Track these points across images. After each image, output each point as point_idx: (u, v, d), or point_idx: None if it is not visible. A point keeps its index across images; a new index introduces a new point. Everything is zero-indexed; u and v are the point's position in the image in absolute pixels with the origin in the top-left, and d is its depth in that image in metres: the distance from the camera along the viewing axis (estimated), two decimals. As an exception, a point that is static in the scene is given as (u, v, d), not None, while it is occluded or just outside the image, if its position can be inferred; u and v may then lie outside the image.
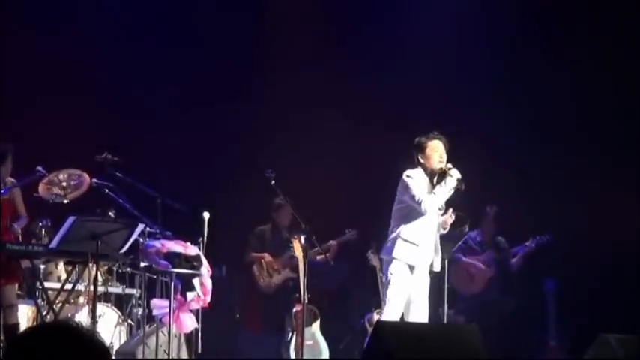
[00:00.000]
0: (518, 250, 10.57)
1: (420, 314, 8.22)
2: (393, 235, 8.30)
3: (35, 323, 8.27)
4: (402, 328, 7.62)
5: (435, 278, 8.72)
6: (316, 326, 10.02)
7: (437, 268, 8.42)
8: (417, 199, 8.15)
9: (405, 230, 8.24)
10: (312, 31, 11.31)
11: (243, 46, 11.40)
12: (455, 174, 8.23)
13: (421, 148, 8.34)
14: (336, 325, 10.34)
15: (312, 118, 11.11)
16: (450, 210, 8.39)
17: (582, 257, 10.61)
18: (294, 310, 9.81)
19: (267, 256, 10.57)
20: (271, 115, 11.29)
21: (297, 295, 8.71)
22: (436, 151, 8.30)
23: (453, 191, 8.24)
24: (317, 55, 11.26)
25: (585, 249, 10.64)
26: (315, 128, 11.15)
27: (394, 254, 8.25)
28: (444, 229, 8.41)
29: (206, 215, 8.39)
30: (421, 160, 8.33)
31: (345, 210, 10.25)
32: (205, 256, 8.17)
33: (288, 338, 9.87)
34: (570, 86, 10.95)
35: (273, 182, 8.25)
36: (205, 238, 8.30)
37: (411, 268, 8.26)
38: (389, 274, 8.26)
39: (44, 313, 8.07)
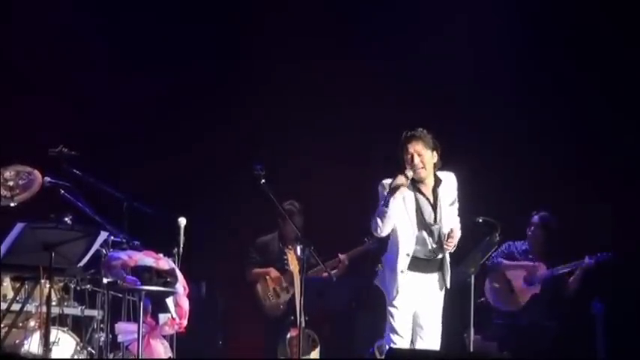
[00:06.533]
0: (570, 267, 9.90)
1: None
2: None
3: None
4: (418, 356, 7.45)
5: (459, 296, 8.32)
6: (316, 355, 9.67)
7: None
8: None
9: None
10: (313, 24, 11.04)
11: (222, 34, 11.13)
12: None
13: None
14: (339, 355, 10.05)
15: (314, 105, 10.82)
16: None
17: (633, 275, 10.18)
18: (288, 336, 9.58)
19: (272, 272, 10.13)
20: (265, 101, 10.96)
21: (292, 318, 8.76)
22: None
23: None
24: (318, 47, 10.93)
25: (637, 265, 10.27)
26: (318, 116, 10.83)
27: None
28: None
29: (182, 221, 8.08)
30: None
31: (358, 215, 9.66)
32: (181, 270, 7.83)
33: (282, 371, 9.89)
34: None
35: (263, 181, 7.67)
36: (181, 248, 8.03)
37: None
38: None
39: (-15, 340, 7.73)
